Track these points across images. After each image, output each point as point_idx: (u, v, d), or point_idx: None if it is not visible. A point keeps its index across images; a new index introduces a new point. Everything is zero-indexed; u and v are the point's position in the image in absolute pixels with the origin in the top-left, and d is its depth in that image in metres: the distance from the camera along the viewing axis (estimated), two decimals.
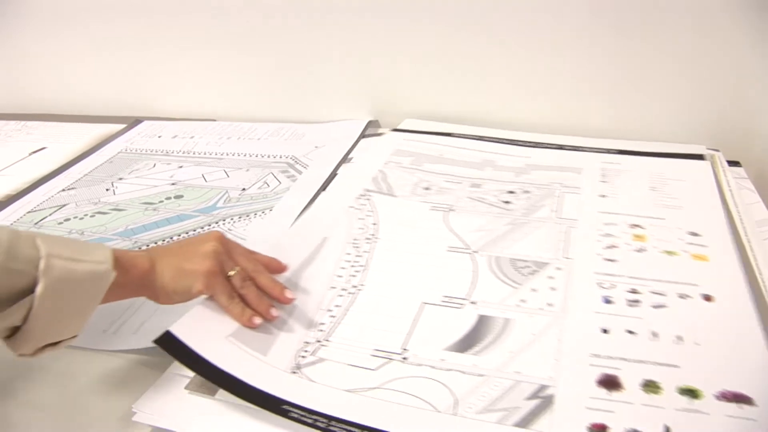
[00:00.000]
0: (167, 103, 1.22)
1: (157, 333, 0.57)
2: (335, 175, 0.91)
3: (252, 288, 0.61)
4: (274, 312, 0.61)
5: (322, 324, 0.62)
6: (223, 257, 0.61)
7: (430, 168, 0.89)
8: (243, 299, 0.61)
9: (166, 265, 0.60)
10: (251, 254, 0.65)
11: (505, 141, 0.95)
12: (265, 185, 0.92)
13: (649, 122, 0.93)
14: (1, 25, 1.24)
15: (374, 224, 0.77)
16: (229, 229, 0.81)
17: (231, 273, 0.61)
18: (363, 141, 1.03)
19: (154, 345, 0.57)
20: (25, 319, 0.50)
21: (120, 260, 0.55)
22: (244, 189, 0.92)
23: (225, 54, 1.13)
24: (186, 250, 0.61)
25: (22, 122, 1.26)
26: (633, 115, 0.94)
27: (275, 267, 0.66)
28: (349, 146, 1.00)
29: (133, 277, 0.58)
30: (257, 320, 0.60)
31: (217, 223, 0.84)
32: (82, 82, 1.25)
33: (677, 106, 0.91)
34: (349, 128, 1.07)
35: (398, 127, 1.04)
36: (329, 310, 0.64)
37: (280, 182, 0.92)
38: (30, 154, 1.11)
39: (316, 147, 1.02)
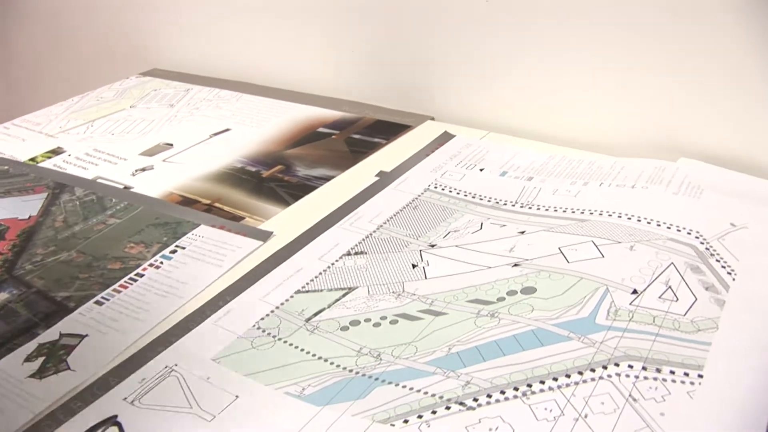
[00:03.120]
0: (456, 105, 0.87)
1: None
2: None
3: None
4: None
5: None
6: None
7: None
8: None
9: None
10: None
11: None
12: (671, 294, 0.54)
13: None
14: None
15: None
16: (632, 398, 0.43)
17: None
18: None
19: None
20: None
21: None
22: (635, 292, 0.54)
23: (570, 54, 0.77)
24: None
25: (216, 90, 1.04)
26: None
27: None
28: None
29: None
30: None
31: (605, 368, 0.46)
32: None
33: None
34: None
35: None
36: None
37: (695, 296, 0.53)
38: (210, 137, 0.88)
39: (732, 225, 0.61)
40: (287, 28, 1.00)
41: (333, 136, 0.86)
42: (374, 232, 0.66)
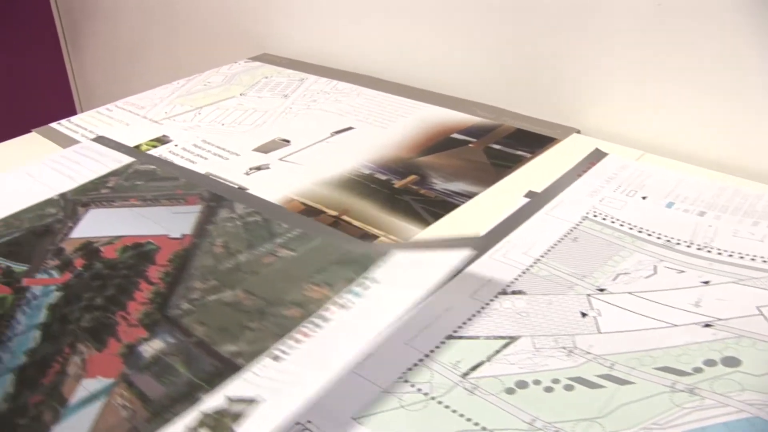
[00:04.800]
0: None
1: None
2: None
3: None
4: None
5: None
6: None
7: None
8: None
9: None
10: None
11: None
12: None
13: None
14: None
15: None
16: None
17: None
18: None
19: None
20: None
21: None
22: None
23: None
24: None
25: (334, 81, 0.96)
26: None
27: None
28: None
29: None
30: None
31: None
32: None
33: None
34: None
35: None
36: None
37: None
38: (332, 135, 0.80)
39: None
40: (415, 17, 0.91)
41: (470, 145, 0.78)
42: (531, 266, 0.57)
